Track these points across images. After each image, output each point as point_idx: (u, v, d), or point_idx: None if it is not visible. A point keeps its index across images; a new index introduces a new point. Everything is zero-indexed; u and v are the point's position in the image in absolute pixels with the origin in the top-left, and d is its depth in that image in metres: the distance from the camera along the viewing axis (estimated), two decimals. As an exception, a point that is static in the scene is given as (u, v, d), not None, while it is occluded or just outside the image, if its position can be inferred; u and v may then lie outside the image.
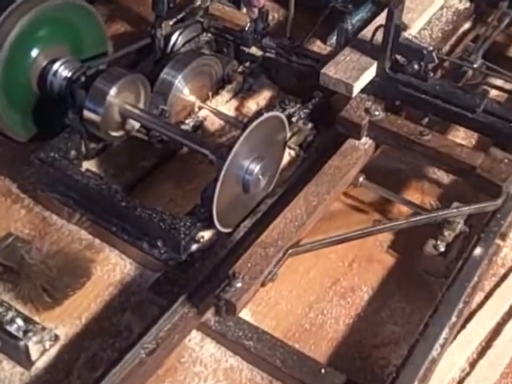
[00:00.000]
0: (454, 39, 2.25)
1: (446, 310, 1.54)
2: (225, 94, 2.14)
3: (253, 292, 1.54)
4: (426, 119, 1.89)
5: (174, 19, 2.10)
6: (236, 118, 2.09)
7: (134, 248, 1.77)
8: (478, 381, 1.58)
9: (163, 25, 2.03)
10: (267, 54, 2.16)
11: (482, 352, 1.64)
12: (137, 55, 2.14)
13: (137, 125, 1.92)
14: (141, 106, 1.91)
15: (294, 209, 1.68)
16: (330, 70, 1.86)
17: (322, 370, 1.55)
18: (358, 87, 1.85)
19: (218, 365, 1.62)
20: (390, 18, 1.76)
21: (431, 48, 1.82)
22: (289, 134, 1.81)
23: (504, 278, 1.79)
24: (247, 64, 2.19)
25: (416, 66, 1.82)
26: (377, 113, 1.84)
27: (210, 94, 2.12)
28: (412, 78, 1.84)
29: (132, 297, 1.73)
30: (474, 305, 1.71)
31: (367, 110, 1.85)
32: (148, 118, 1.87)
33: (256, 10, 2.09)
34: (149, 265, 1.77)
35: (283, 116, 1.75)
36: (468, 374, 1.60)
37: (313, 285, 1.78)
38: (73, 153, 1.87)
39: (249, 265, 1.54)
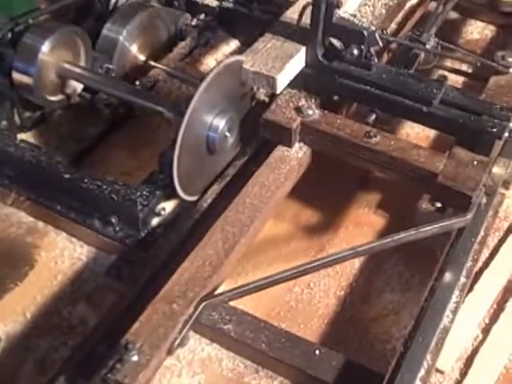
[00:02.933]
0: (400, 16, 1.91)
1: (453, 271, 1.35)
2: (179, 51, 1.92)
3: (155, 367, 1.17)
4: (373, 116, 1.51)
5: (113, -31, 1.85)
6: (193, 77, 1.85)
7: (84, 228, 1.54)
8: (494, 349, 1.39)
9: (102, -27, 1.78)
10: (224, 4, 1.96)
11: (494, 316, 1.45)
12: (76, 14, 1.88)
13: (79, 87, 1.68)
14: (82, 65, 1.66)
15: (208, 245, 1.30)
16: (246, 62, 1.46)
17: (317, 352, 1.32)
18: (283, 81, 1.47)
19: (193, 355, 1.39)
20: None
21: (373, 28, 1.50)
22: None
23: (508, 231, 1.60)
24: (202, 17, 1.98)
25: (356, 51, 1.46)
26: (310, 112, 1.47)
27: (163, 51, 1.89)
28: (351, 66, 1.47)
29: (85, 285, 1.50)
30: (479, 263, 1.51)
31: (298, 109, 1.47)
32: (91, 76, 1.63)
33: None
34: (103, 246, 1.54)
35: (248, 61, 1.51)
36: (482, 341, 1.40)
37: (295, 255, 1.56)
38: (4, 123, 1.64)
39: (148, 329, 1.17)
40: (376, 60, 1.47)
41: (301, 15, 1.49)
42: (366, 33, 1.41)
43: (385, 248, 1.31)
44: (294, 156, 1.48)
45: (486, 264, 1.54)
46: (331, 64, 1.47)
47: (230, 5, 1.94)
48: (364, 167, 1.47)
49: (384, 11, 1.75)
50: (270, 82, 1.43)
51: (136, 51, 1.81)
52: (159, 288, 1.26)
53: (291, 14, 1.57)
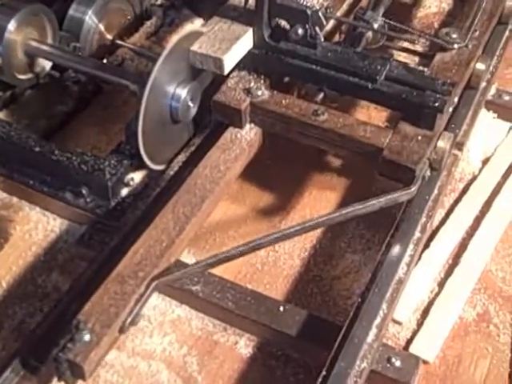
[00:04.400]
0: None
1: (408, 226, 1.40)
2: (145, 30, 1.95)
3: (107, 346, 1.17)
4: (321, 95, 1.49)
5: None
6: (159, 55, 1.88)
7: (57, 200, 1.57)
8: (449, 300, 1.46)
9: (66, -46, 1.81)
10: (188, -17, 1.98)
11: (449, 270, 1.53)
12: None
13: (47, 65, 1.71)
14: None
15: (159, 225, 1.31)
16: (194, 45, 1.46)
17: (281, 308, 1.39)
18: (230, 62, 1.46)
19: (164, 317, 1.45)
20: None
21: (317, 7, 1.47)
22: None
23: (463, 192, 1.68)
24: (166, -4, 2.00)
25: (300, 31, 1.43)
26: (259, 92, 1.46)
27: (129, 31, 1.92)
28: (298, 45, 1.46)
29: (59, 254, 1.55)
30: (435, 222, 1.58)
31: (248, 90, 1.47)
32: (59, 53, 1.66)
33: None
34: (75, 217, 1.58)
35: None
36: (437, 294, 1.48)
37: (260, 221, 1.63)
38: (-26, 103, 1.65)
39: (99, 309, 1.17)
40: (322, 39, 1.46)
41: None
42: (309, 12, 1.40)
43: (333, 223, 1.35)
44: (245, 137, 1.48)
45: (442, 222, 1.62)
46: (278, 44, 1.47)
47: (194, -16, 1.99)
48: (314, 145, 1.48)
49: None
50: (217, 63, 1.44)
51: (103, 30, 1.84)
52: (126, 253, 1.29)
53: None
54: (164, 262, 1.27)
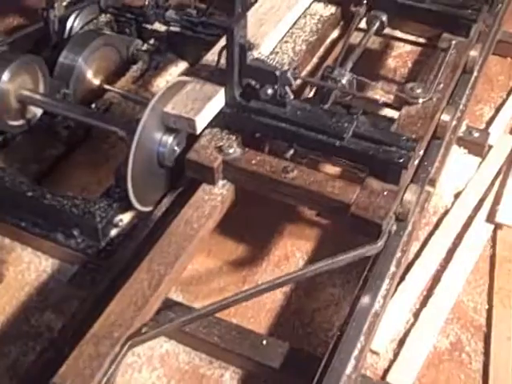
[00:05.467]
0: (322, 50, 1.95)
1: (384, 261, 1.48)
2: (132, 75, 2.04)
3: None
4: (291, 151, 1.52)
5: (68, 0, 1.98)
6: (145, 98, 1.96)
7: (49, 241, 1.63)
8: (423, 330, 1.54)
9: (56, 6, 1.90)
10: (171, 29, 2.07)
11: (423, 301, 1.60)
12: (34, 46, 2.00)
13: (38, 112, 1.79)
14: (40, 91, 1.78)
15: (134, 285, 1.33)
16: (167, 106, 1.50)
17: (264, 341, 1.46)
18: (202, 122, 1.50)
19: (153, 352, 1.51)
20: (230, 37, 1.42)
21: (286, 67, 1.49)
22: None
23: (437, 225, 1.77)
24: (152, 41, 2.09)
25: (270, 91, 1.48)
26: (231, 150, 1.50)
27: (117, 75, 2.01)
28: (268, 104, 1.49)
29: (51, 294, 1.61)
30: (411, 255, 1.66)
31: (220, 148, 1.50)
32: (50, 102, 1.74)
33: (154, -17, 1.99)
34: (67, 257, 1.64)
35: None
36: (413, 324, 1.55)
37: (244, 258, 1.70)
38: (-33, 148, 1.72)
39: (74, 371, 1.19)
40: (291, 97, 1.49)
41: (219, 57, 1.51)
42: (278, 73, 1.45)
43: (303, 278, 1.42)
44: (218, 193, 1.51)
45: (418, 255, 1.70)
46: (248, 103, 1.51)
47: (177, 29, 2.05)
48: (286, 202, 1.50)
49: (304, 47, 1.78)
50: (190, 123, 1.47)
51: (91, 76, 1.92)
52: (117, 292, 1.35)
53: (211, 56, 1.61)
54: (139, 320, 1.29)
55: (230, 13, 1.44)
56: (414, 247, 1.70)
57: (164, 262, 1.38)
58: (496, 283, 1.62)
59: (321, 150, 1.50)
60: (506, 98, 2.14)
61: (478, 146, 1.94)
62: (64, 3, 1.95)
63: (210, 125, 1.54)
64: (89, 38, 1.92)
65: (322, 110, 1.52)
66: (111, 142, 1.85)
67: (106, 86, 1.96)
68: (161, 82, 2.05)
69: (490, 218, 1.76)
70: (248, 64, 1.46)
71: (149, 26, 2.08)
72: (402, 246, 1.52)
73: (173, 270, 1.37)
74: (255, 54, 1.51)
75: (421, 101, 1.58)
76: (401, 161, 1.41)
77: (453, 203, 1.82)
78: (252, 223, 1.74)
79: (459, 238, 1.73)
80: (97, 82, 1.94)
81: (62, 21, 1.97)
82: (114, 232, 1.61)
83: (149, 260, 1.38)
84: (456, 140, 1.91)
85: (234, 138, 1.53)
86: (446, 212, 1.80)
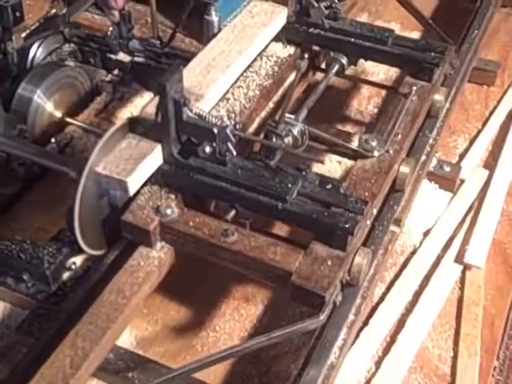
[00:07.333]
0: (279, 94, 1.73)
1: (341, 309, 1.42)
2: (95, 107, 1.98)
3: None
4: (233, 212, 1.38)
5: (28, 31, 1.93)
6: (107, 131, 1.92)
7: (-1, 286, 1.57)
8: (385, 380, 1.47)
9: (14, 37, 1.85)
10: (136, 59, 2.02)
11: (386, 348, 1.54)
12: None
13: (-8, 149, 1.73)
14: (-5, 127, 1.73)
15: (55, 363, 1.21)
16: (99, 165, 1.39)
17: (216, 394, 1.40)
18: (135, 183, 1.39)
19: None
20: (163, 93, 1.32)
21: (226, 124, 1.37)
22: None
23: (404, 265, 1.71)
24: (116, 72, 2.04)
25: (208, 149, 1.37)
26: (169, 211, 1.38)
27: (80, 107, 1.95)
28: (207, 162, 1.39)
29: (0, 340, 1.53)
30: (376, 298, 1.60)
31: (157, 209, 1.39)
32: (2, 140, 1.68)
33: (116, 13, 1.94)
34: (17, 302, 1.58)
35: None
36: (374, 374, 1.49)
37: (202, 301, 1.64)
38: None
39: None
40: (234, 153, 1.37)
41: (157, 111, 1.38)
42: (216, 130, 1.33)
43: (244, 353, 1.33)
44: (156, 256, 1.40)
45: (383, 298, 1.64)
46: (187, 161, 1.40)
47: (141, 59, 2.01)
48: (226, 266, 1.38)
49: (258, 92, 1.64)
50: (122, 185, 1.38)
51: (51, 109, 1.87)
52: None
53: (151, 109, 1.44)
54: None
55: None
56: (380, 289, 1.64)
57: (90, 337, 1.26)
58: (462, 329, 1.56)
59: (263, 211, 1.37)
60: (482, 129, 2.08)
61: (449, 181, 1.88)
62: (23, 34, 1.90)
63: (150, 181, 1.44)
64: (49, 69, 1.88)
65: (265, 168, 1.39)
66: (69, 179, 1.78)
67: (68, 119, 1.91)
68: (125, 114, 1.99)
69: (459, 258, 1.70)
70: (184, 120, 1.35)
71: (113, 56, 2.03)
72: (362, 292, 1.47)
73: (98, 348, 1.25)
74: (195, 107, 1.39)
75: (376, 154, 1.49)
76: (347, 226, 1.28)
77: (421, 242, 1.76)
78: (189, 283, 1.66)
79: (427, 279, 1.67)
80: (58, 114, 1.89)
81: (24, 51, 1.92)
82: (66, 275, 1.55)
83: (73, 335, 1.26)
84: (426, 174, 1.86)
85: (173, 196, 1.42)
86: (414, 251, 1.74)
